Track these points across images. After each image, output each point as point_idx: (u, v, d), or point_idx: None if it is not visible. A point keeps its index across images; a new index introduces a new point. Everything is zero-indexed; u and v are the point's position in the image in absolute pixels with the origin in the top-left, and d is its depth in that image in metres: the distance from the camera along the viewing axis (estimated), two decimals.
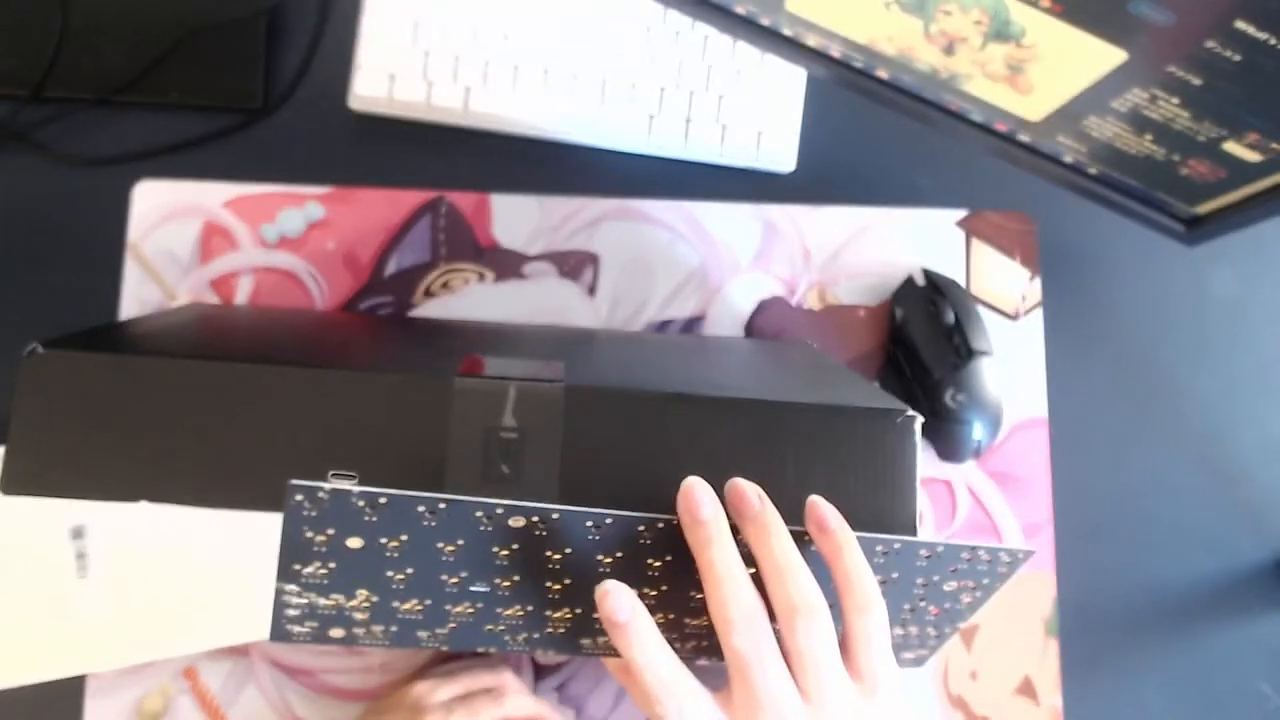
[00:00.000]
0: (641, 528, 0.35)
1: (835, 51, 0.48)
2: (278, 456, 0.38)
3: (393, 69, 0.60)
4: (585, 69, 0.61)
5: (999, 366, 0.58)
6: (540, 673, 0.57)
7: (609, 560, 0.36)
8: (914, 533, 0.39)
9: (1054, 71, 0.42)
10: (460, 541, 0.34)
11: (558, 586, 0.36)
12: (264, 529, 0.52)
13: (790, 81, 0.61)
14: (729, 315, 0.61)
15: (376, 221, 0.61)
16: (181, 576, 0.51)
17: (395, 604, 0.36)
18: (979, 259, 0.62)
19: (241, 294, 0.60)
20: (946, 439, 0.57)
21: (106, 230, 0.60)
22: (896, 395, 0.57)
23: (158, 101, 0.61)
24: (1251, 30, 0.35)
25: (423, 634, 0.37)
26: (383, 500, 0.33)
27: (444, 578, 0.35)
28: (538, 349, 0.50)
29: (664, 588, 0.37)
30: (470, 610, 0.36)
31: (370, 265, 0.61)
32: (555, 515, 0.34)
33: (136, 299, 0.60)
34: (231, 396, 0.38)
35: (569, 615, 0.37)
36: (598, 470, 0.38)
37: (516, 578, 0.36)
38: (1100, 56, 0.40)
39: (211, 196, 0.61)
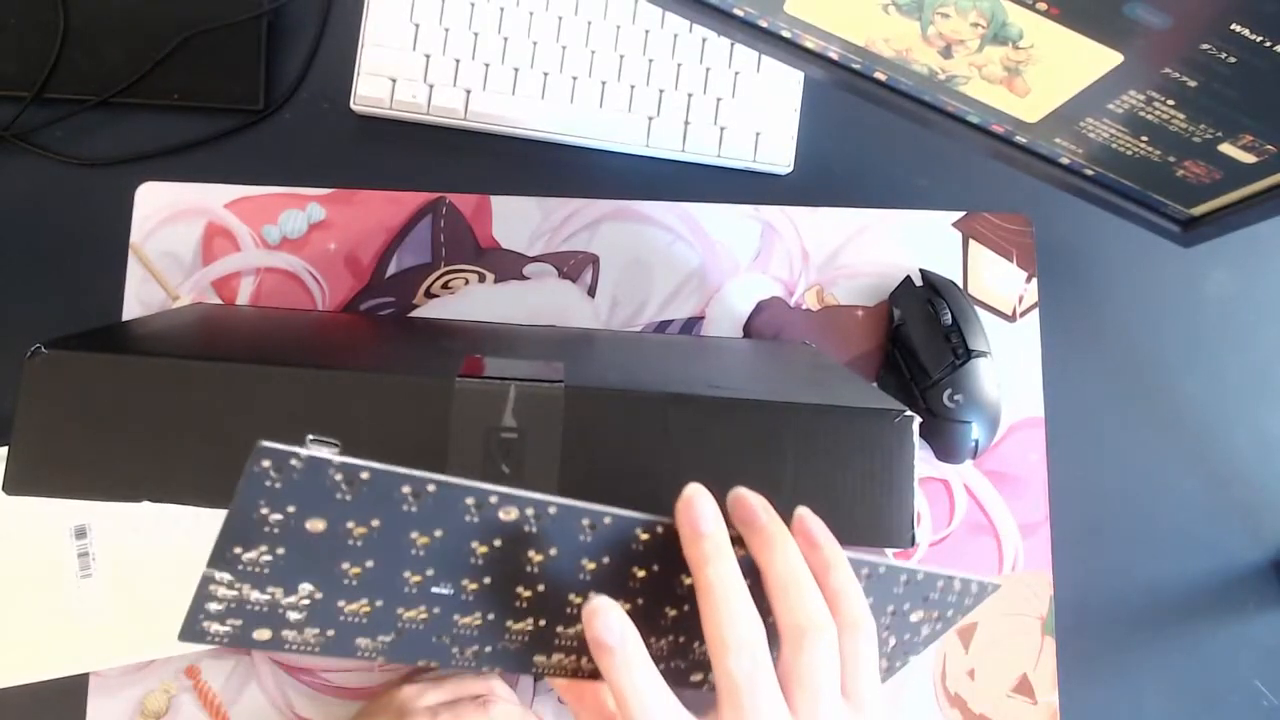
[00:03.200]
0: (639, 530, 0.33)
1: (833, 53, 0.48)
2: None
3: (394, 71, 0.61)
4: (585, 72, 0.61)
5: (996, 367, 0.58)
6: None
7: (593, 566, 0.33)
8: (911, 533, 0.39)
9: (1051, 74, 0.43)
10: (438, 533, 0.31)
11: (528, 594, 0.33)
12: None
13: (788, 83, 0.62)
14: (728, 316, 0.61)
15: (377, 223, 0.61)
16: (184, 575, 0.51)
17: (341, 603, 0.32)
18: (976, 260, 0.62)
19: (243, 295, 0.60)
20: (944, 439, 0.58)
21: (109, 231, 0.60)
22: (894, 395, 0.57)
23: (160, 103, 0.62)
24: (1247, 33, 0.35)
25: (362, 641, 0.33)
26: (364, 475, 0.29)
27: (406, 575, 0.32)
28: (538, 349, 0.50)
29: (640, 601, 0.35)
30: (423, 616, 0.33)
31: (371, 266, 0.61)
32: (552, 509, 0.32)
33: (139, 300, 0.60)
34: (233, 397, 0.38)
35: (529, 628, 0.34)
36: (597, 471, 0.39)
37: (487, 580, 0.33)
38: (1097, 59, 0.40)
39: (213, 198, 0.61)
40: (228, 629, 0.32)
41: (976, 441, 0.57)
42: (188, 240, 0.61)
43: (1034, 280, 0.62)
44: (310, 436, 0.29)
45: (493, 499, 0.31)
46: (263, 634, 0.32)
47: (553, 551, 0.33)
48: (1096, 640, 0.59)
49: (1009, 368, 0.60)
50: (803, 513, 0.35)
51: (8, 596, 0.51)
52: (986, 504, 0.59)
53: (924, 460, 0.59)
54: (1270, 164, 0.42)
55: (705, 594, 0.33)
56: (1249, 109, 0.40)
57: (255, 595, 0.31)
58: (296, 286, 0.61)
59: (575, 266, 0.61)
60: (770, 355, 0.54)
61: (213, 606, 0.31)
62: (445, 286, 0.61)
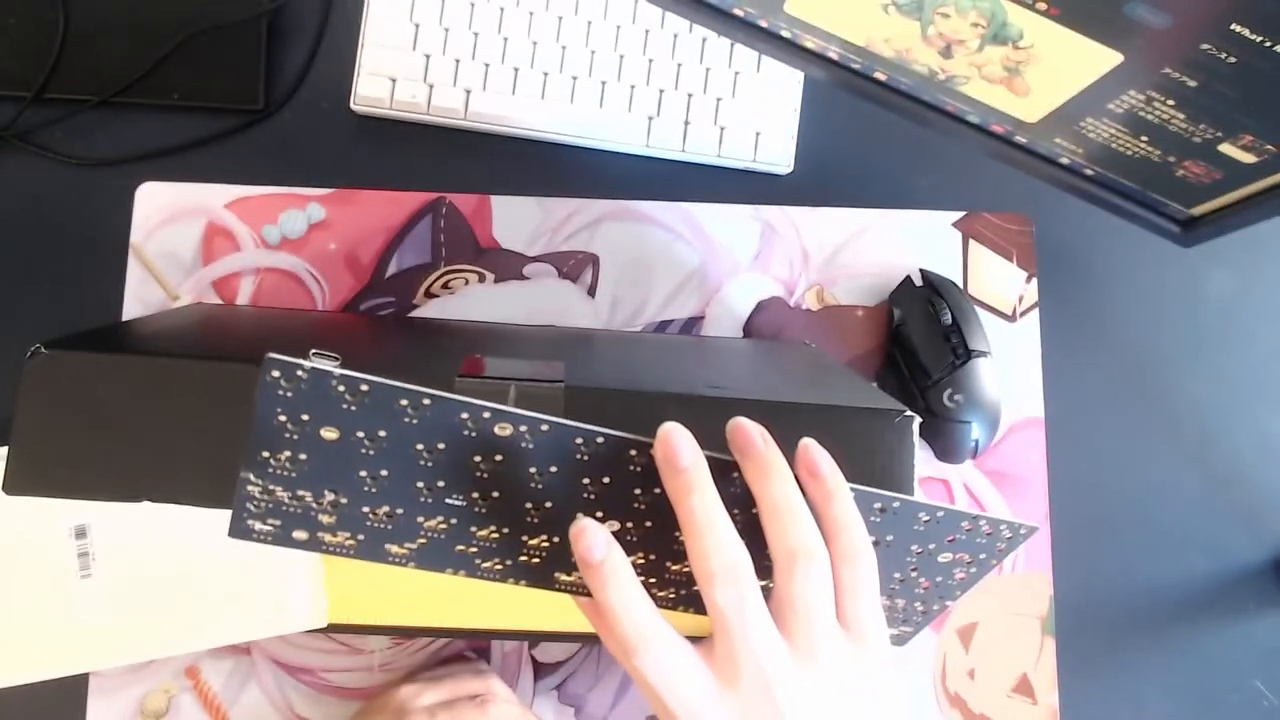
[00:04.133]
0: (633, 452, 0.34)
1: (833, 53, 0.48)
2: None
3: (394, 71, 0.61)
4: (585, 72, 0.61)
5: (996, 367, 0.58)
6: (540, 672, 0.57)
7: (594, 486, 0.34)
8: None
9: (1051, 73, 0.43)
10: (440, 445, 0.33)
11: (537, 509, 0.34)
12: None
13: (788, 83, 0.62)
14: (728, 316, 0.61)
15: (378, 222, 0.61)
16: (183, 575, 0.51)
17: (364, 509, 0.34)
18: (976, 260, 0.62)
19: (243, 295, 0.60)
20: (944, 439, 0.58)
21: (109, 231, 0.60)
22: (894, 395, 0.57)
23: (160, 103, 0.62)
24: (1247, 33, 0.35)
25: (391, 547, 0.35)
26: (364, 388, 0.31)
27: (419, 485, 0.34)
28: (538, 349, 0.50)
29: (648, 524, 0.35)
30: (443, 525, 0.35)
31: (371, 266, 0.61)
32: (544, 427, 0.32)
33: (139, 300, 0.60)
34: (234, 396, 0.38)
35: (545, 543, 0.35)
36: None
37: (495, 494, 0.34)
38: (1097, 59, 0.40)
39: (213, 198, 0.61)
40: (269, 528, 0.34)
41: (976, 441, 0.57)
42: (188, 240, 0.61)
43: (1034, 280, 0.62)
44: (313, 351, 0.32)
45: (486, 414, 0.32)
46: (301, 534, 0.34)
47: (553, 469, 0.34)
48: (1096, 640, 0.59)
49: (1009, 368, 0.60)
50: (807, 443, 0.35)
51: (8, 596, 0.51)
52: (986, 504, 0.59)
53: (924, 460, 0.59)
54: (1270, 164, 0.42)
55: (687, 526, 0.33)
56: (1249, 109, 0.40)
57: (286, 497, 0.33)
58: (296, 286, 0.61)
59: (575, 266, 0.62)
60: (770, 355, 0.54)
61: (251, 506, 0.33)
62: (445, 286, 0.61)
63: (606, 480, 0.34)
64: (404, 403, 0.32)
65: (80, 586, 0.51)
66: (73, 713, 0.55)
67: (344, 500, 0.34)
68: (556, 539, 0.35)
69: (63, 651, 0.51)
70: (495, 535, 0.35)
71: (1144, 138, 0.45)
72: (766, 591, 0.34)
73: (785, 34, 0.49)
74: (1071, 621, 0.59)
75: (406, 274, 0.61)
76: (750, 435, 0.34)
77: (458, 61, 0.61)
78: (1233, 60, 0.37)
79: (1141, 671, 0.59)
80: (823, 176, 0.63)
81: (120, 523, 0.51)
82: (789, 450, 0.35)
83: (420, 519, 0.34)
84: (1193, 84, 0.39)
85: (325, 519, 0.34)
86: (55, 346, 0.38)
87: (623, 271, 0.61)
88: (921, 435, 0.55)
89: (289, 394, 0.31)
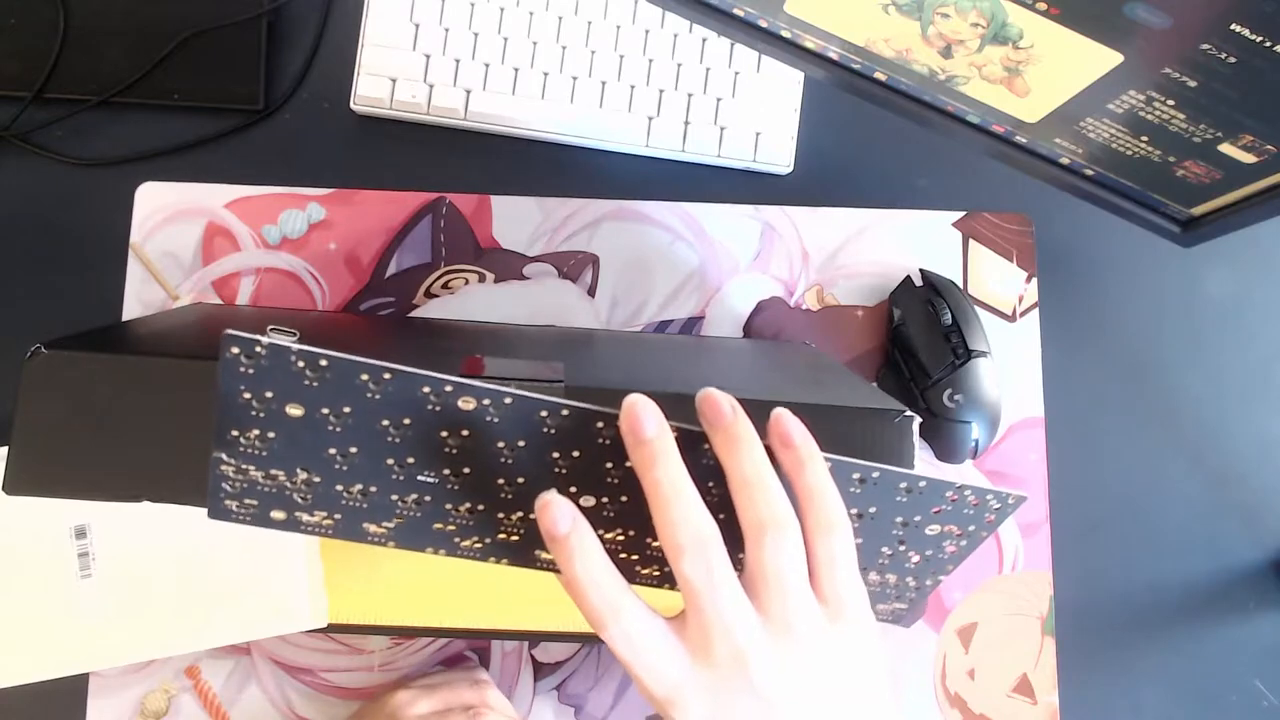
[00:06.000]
0: (600, 424, 0.33)
1: (833, 53, 0.48)
2: None
3: (394, 71, 0.61)
4: (585, 72, 0.61)
5: (996, 367, 0.58)
6: (540, 672, 0.57)
7: (564, 460, 0.34)
8: None
9: (1051, 74, 0.43)
10: (406, 420, 0.32)
11: (509, 485, 0.34)
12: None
13: (788, 84, 0.62)
14: (728, 316, 0.61)
15: (378, 223, 0.61)
16: (183, 575, 0.51)
17: (338, 487, 0.34)
18: (976, 260, 0.62)
19: (243, 295, 0.60)
20: (944, 439, 0.58)
21: (109, 231, 0.60)
22: (894, 395, 0.57)
23: (160, 103, 0.62)
24: (1247, 33, 0.35)
25: (369, 526, 0.35)
26: (323, 363, 0.31)
27: (389, 461, 0.33)
28: (538, 349, 0.50)
29: (624, 499, 0.35)
30: (417, 503, 0.34)
31: (371, 266, 0.61)
32: (508, 400, 0.32)
33: (139, 300, 0.60)
34: None
35: (521, 519, 0.35)
36: None
37: (466, 470, 0.34)
38: (1097, 59, 0.40)
39: (213, 198, 0.61)
40: (246, 509, 0.34)
41: (976, 441, 0.57)
42: (188, 240, 0.61)
43: (1034, 280, 0.62)
44: (270, 327, 0.32)
45: (448, 388, 0.32)
46: (278, 514, 0.34)
47: (521, 443, 0.33)
48: (1097, 640, 0.59)
49: (1009, 368, 0.60)
50: (779, 412, 0.34)
51: (8, 596, 0.51)
52: None
53: (924, 460, 0.59)
54: (1270, 164, 0.42)
55: (653, 498, 0.32)
56: (1249, 109, 0.40)
57: (260, 476, 0.33)
58: (296, 286, 0.61)
59: (575, 266, 0.62)
60: (770, 355, 0.54)
61: (226, 486, 0.33)
62: (445, 286, 0.61)
63: (576, 454, 0.34)
64: (365, 377, 0.31)
65: (80, 586, 0.51)
66: (73, 713, 0.55)
67: (317, 479, 0.33)
68: (532, 515, 0.35)
69: (63, 651, 0.51)
70: (471, 512, 0.35)
71: (1144, 138, 0.45)
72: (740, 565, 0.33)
73: (785, 34, 0.49)
74: (1071, 621, 0.59)
75: (406, 274, 0.61)
76: (719, 405, 0.33)
77: (458, 61, 0.61)
78: (1233, 60, 0.37)
79: (1141, 671, 0.59)
80: (823, 176, 0.63)
81: (120, 523, 0.51)
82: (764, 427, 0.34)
83: (394, 496, 0.34)
84: (1193, 84, 0.39)
85: (300, 498, 0.34)
86: (55, 346, 0.38)
87: (623, 271, 0.61)
88: (921, 435, 0.55)
89: (250, 370, 0.31)
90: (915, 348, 0.58)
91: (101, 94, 0.61)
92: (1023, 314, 0.62)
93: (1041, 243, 0.62)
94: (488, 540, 0.36)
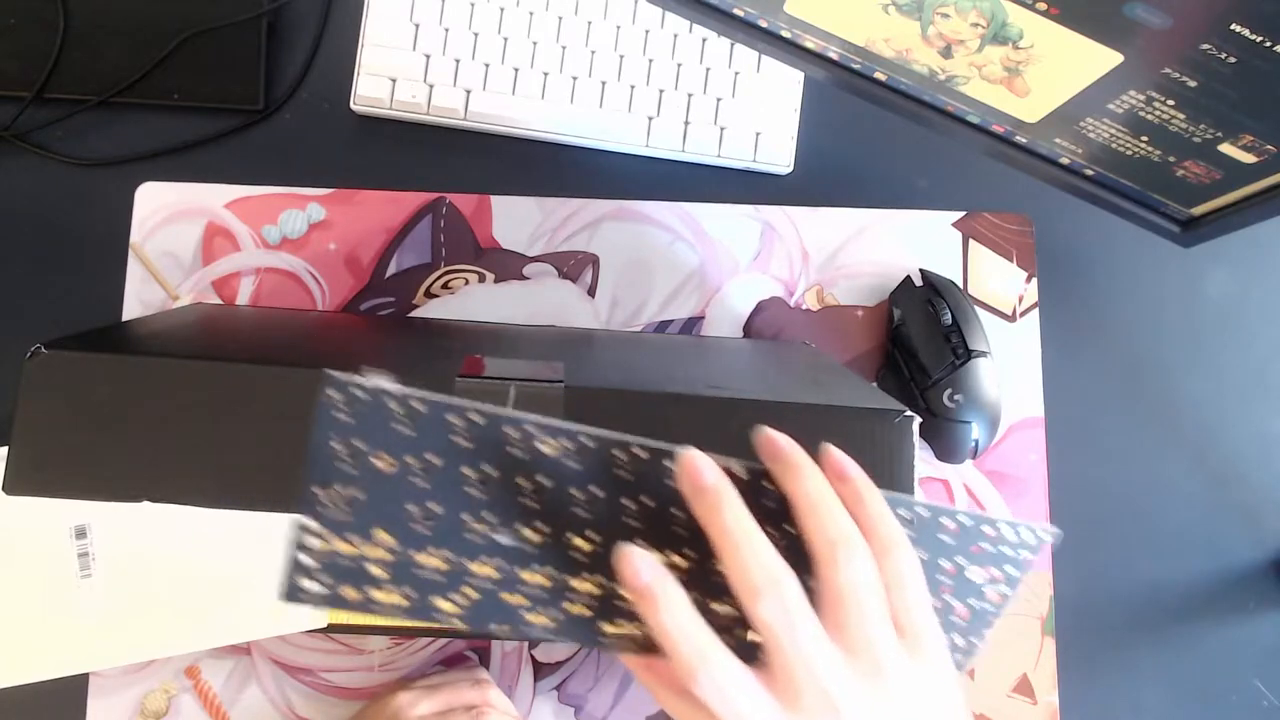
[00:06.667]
0: (667, 463, 0.33)
1: (833, 53, 0.48)
2: (278, 456, 0.38)
3: (394, 71, 0.61)
4: (585, 72, 0.61)
5: (996, 367, 0.58)
6: (540, 672, 0.57)
7: (636, 510, 0.33)
8: None
9: (1051, 74, 0.43)
10: (487, 468, 0.32)
11: (584, 545, 0.34)
12: (265, 529, 0.52)
13: (787, 84, 0.62)
14: (728, 316, 0.61)
15: (378, 223, 0.61)
16: (183, 576, 0.51)
17: (414, 555, 0.33)
18: (976, 260, 0.62)
19: (243, 295, 0.60)
20: (944, 439, 0.58)
21: (109, 231, 0.60)
22: (894, 395, 0.57)
23: (160, 103, 0.62)
24: (1247, 33, 0.35)
25: (442, 604, 0.34)
26: (417, 404, 0.30)
27: (466, 518, 0.33)
28: (538, 349, 0.50)
29: (693, 555, 0.34)
30: (491, 573, 0.34)
31: (371, 266, 0.61)
32: (587, 440, 0.32)
33: (139, 300, 0.60)
34: (233, 397, 0.38)
35: (592, 588, 0.34)
36: None
37: (541, 525, 0.33)
38: (1097, 59, 0.40)
39: (213, 198, 0.61)
40: (319, 587, 0.33)
41: (976, 441, 0.57)
42: (188, 240, 0.61)
43: (1034, 280, 0.62)
44: (363, 366, 0.31)
45: (529, 427, 0.32)
46: (351, 593, 0.33)
47: (597, 490, 0.33)
48: (1096, 640, 0.59)
49: (1009, 368, 0.60)
50: (828, 447, 0.34)
51: (8, 596, 0.51)
52: (986, 504, 0.59)
53: (924, 460, 0.59)
54: (1270, 164, 0.42)
55: (721, 544, 0.32)
56: (1249, 109, 0.40)
57: (339, 545, 0.32)
58: (296, 286, 0.61)
59: (575, 266, 0.62)
60: (770, 355, 0.54)
61: (305, 559, 0.32)
62: (445, 286, 0.61)
63: (647, 501, 0.33)
64: (453, 418, 0.31)
65: (80, 586, 0.51)
66: (73, 713, 0.55)
67: (395, 543, 0.33)
68: (602, 580, 0.34)
69: (63, 651, 0.51)
70: (542, 580, 0.34)
71: (1144, 138, 0.45)
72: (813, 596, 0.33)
73: (785, 34, 0.49)
74: (1071, 621, 0.59)
75: (406, 274, 0.61)
76: (776, 439, 0.34)
77: (458, 61, 0.61)
78: (1233, 60, 0.37)
79: (1141, 671, 0.59)
80: (823, 176, 0.63)
81: (120, 523, 0.52)
82: (809, 453, 0.34)
83: (469, 563, 0.34)
84: (1193, 84, 0.39)
85: (376, 571, 0.33)
86: (55, 346, 0.38)
87: (623, 271, 0.61)
88: (921, 435, 0.55)
89: (343, 416, 0.30)
90: (915, 348, 0.58)
91: (101, 94, 0.61)
92: (1023, 314, 0.62)
93: (1041, 243, 0.62)
94: (557, 616, 0.35)
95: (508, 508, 0.33)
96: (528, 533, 0.34)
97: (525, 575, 0.34)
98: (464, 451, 0.32)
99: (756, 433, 0.34)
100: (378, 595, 0.34)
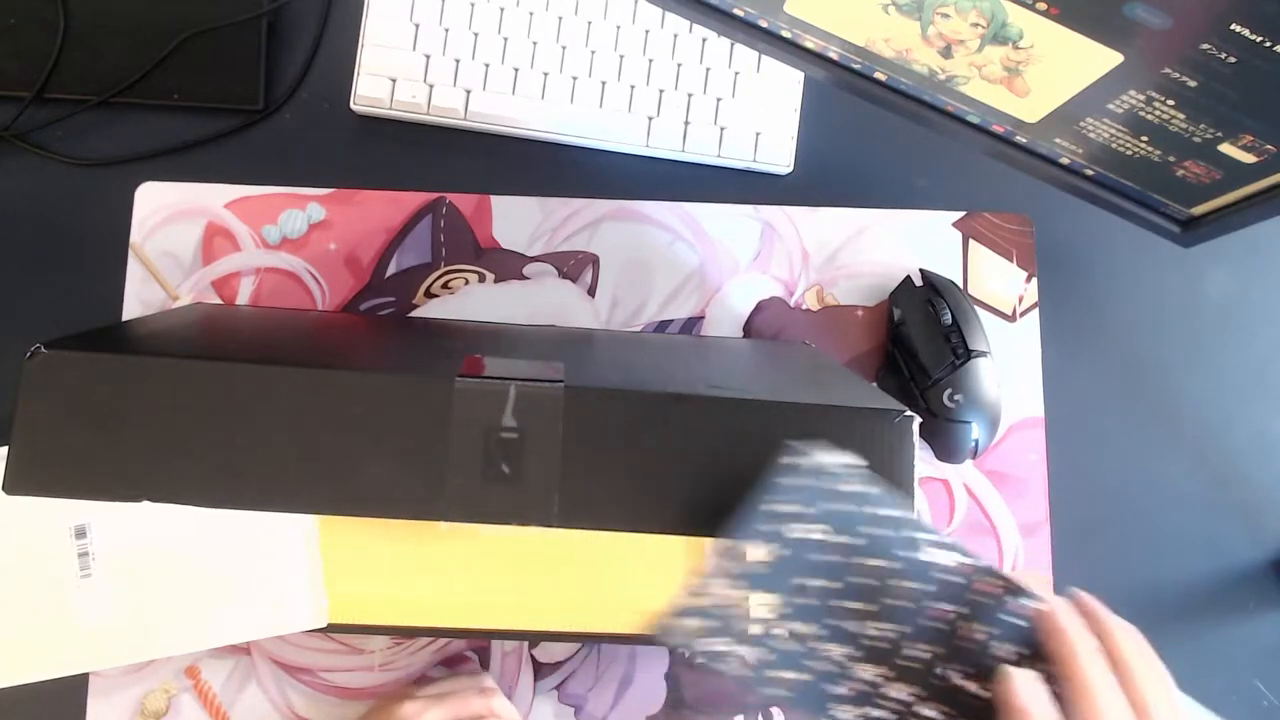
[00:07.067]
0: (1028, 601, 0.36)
1: (833, 53, 0.48)
2: (278, 456, 0.38)
3: (394, 71, 0.61)
4: (585, 72, 0.61)
5: (996, 367, 0.58)
6: (540, 672, 0.57)
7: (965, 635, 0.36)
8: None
9: (1051, 74, 0.43)
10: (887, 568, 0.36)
11: (906, 649, 0.36)
12: (265, 529, 0.52)
13: (787, 84, 0.62)
14: (728, 316, 0.61)
15: (378, 223, 0.61)
16: (184, 575, 0.51)
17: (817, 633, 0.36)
18: (976, 260, 0.62)
19: (243, 294, 0.60)
20: (944, 439, 0.58)
21: (109, 231, 0.60)
22: (894, 395, 0.57)
23: (160, 103, 0.62)
24: (1247, 33, 0.35)
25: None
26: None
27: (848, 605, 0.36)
28: (538, 349, 0.50)
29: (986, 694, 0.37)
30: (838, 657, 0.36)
31: (371, 266, 0.61)
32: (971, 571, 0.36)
33: (139, 299, 0.60)
34: (233, 396, 0.38)
35: (904, 694, 0.37)
36: (597, 470, 0.39)
37: (887, 630, 0.36)
38: (1097, 59, 0.40)
39: (213, 198, 0.61)
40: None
41: (976, 441, 0.57)
42: (188, 240, 0.61)
43: (1034, 280, 0.62)
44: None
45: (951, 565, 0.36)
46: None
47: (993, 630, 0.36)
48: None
49: (1009, 368, 0.60)
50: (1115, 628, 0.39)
51: (8, 596, 0.51)
52: (986, 504, 0.59)
53: (924, 460, 0.59)
54: (1270, 164, 0.42)
55: (1084, 694, 0.35)
56: (1249, 109, 0.40)
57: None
58: (296, 286, 0.61)
59: (575, 266, 0.62)
60: (770, 355, 0.54)
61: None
62: (445, 286, 0.61)
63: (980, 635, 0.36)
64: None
65: (80, 586, 0.51)
66: (73, 713, 0.55)
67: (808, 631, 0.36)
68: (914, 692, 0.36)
69: (63, 651, 0.51)
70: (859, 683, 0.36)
71: (1144, 138, 0.45)
72: None
73: (785, 34, 0.49)
74: None
75: (406, 274, 0.61)
76: (1098, 609, 0.38)
77: (458, 61, 0.61)
78: (1233, 60, 0.37)
79: None
80: (823, 176, 0.63)
81: (120, 523, 0.51)
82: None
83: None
84: (1193, 84, 0.39)
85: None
86: (55, 346, 0.38)
87: (623, 271, 0.61)
88: (921, 435, 0.55)
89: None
90: (915, 348, 0.58)
91: (101, 94, 0.61)
92: (1023, 314, 0.62)
93: (1041, 243, 0.62)
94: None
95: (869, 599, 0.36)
96: (871, 625, 0.36)
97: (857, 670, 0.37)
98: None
99: (1073, 595, 0.38)
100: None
